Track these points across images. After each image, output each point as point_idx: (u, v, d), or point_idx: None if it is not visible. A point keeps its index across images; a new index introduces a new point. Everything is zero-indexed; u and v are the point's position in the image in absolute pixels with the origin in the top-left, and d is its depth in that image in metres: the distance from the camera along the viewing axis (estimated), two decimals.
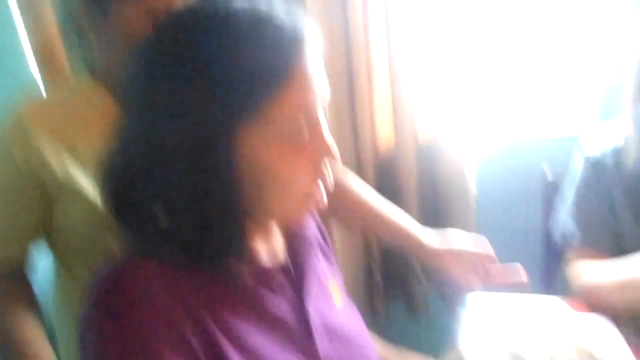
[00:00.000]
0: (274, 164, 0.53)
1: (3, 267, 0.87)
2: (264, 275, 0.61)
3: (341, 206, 0.98)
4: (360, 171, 1.43)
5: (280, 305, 0.61)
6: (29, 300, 0.90)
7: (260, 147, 0.52)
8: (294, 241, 0.69)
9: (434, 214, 1.53)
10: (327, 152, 0.56)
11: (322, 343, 0.64)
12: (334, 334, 0.67)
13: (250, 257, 0.60)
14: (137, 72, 0.54)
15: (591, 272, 1.03)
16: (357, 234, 1.23)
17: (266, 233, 0.65)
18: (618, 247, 1.04)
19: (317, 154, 0.56)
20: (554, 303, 0.98)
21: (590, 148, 1.10)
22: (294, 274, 0.66)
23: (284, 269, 0.64)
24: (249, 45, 0.50)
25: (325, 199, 0.60)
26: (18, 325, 0.85)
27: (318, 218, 0.80)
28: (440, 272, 0.93)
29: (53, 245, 0.91)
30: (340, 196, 0.97)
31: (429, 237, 0.97)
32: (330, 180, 0.59)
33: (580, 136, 1.14)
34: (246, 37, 0.50)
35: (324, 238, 0.81)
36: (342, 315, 0.72)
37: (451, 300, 1.58)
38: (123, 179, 0.56)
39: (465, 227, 1.45)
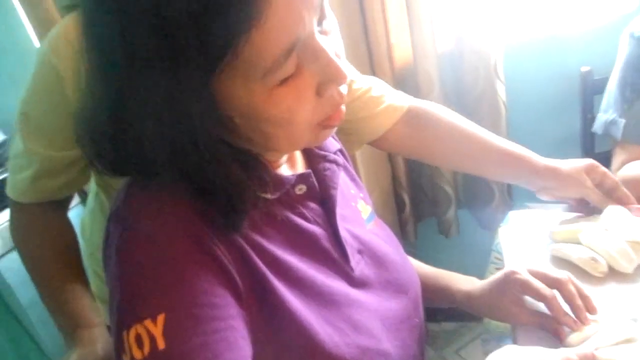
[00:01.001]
0: (265, 104, 0.47)
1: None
2: (292, 201, 0.59)
3: (424, 141, 0.90)
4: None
5: (314, 230, 0.60)
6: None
7: (242, 90, 0.46)
8: (318, 163, 0.65)
9: None
10: (332, 76, 0.49)
11: (357, 263, 0.62)
12: (368, 254, 0.65)
13: (276, 186, 0.56)
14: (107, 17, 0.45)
15: (633, 167, 0.93)
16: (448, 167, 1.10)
17: (289, 160, 0.63)
18: None
19: (320, 81, 0.49)
20: (610, 212, 0.88)
21: (636, 25, 0.97)
22: (321, 197, 0.63)
23: (311, 194, 0.61)
24: None
25: (341, 115, 0.54)
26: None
27: (338, 141, 0.76)
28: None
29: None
30: (420, 130, 0.89)
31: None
32: (342, 96, 0.53)
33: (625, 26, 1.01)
34: None
35: (346, 160, 0.77)
36: (375, 236, 0.69)
37: (486, 219, 1.52)
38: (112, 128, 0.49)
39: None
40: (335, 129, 0.56)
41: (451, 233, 1.59)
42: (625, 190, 0.80)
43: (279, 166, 0.61)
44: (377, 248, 0.67)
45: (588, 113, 1.28)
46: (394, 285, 0.66)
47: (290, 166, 0.63)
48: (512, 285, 0.67)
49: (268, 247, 0.54)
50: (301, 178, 0.59)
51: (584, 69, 1.26)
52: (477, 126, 0.86)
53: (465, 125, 0.86)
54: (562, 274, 0.65)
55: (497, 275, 0.70)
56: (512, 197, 1.47)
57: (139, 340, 0.45)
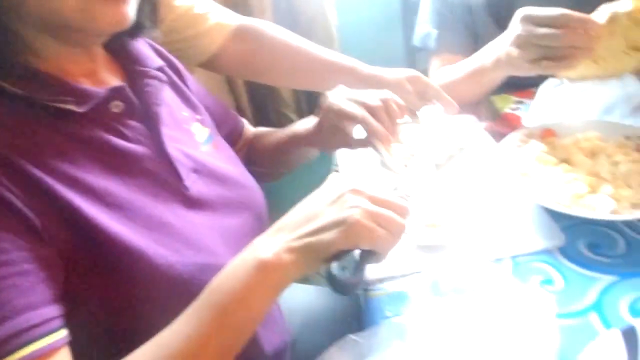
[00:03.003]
0: None
1: None
2: (107, 119, 0.55)
3: (257, 58, 0.89)
4: None
5: (137, 150, 0.56)
6: None
7: None
8: (138, 80, 0.61)
9: None
10: None
11: (192, 182, 0.60)
12: (205, 173, 0.63)
13: (80, 99, 0.52)
14: None
15: (445, 72, 1.04)
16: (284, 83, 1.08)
17: (94, 72, 0.58)
18: (476, 48, 1.06)
19: None
20: (425, 112, 0.99)
21: None
22: (144, 114, 0.59)
23: (131, 111, 0.57)
24: None
25: None
26: None
27: (169, 55, 0.73)
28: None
29: None
30: (251, 47, 0.88)
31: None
32: None
33: None
34: None
35: (180, 77, 0.73)
36: (212, 157, 0.67)
37: None
38: None
39: None
40: (124, 11, 0.51)
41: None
42: (447, 97, 0.87)
43: (75, 76, 0.54)
44: (215, 167, 0.66)
45: (409, 31, 1.39)
46: (235, 202, 0.66)
47: (99, 82, 0.57)
48: (331, 116, 0.73)
49: (77, 174, 0.50)
50: (115, 92, 0.55)
51: None
52: (307, 41, 0.88)
53: (295, 41, 0.87)
54: (375, 101, 0.71)
55: (318, 114, 0.76)
56: None
57: None
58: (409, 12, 1.37)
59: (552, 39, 0.71)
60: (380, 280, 0.65)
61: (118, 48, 0.62)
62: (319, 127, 0.77)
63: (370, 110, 0.71)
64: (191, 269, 0.53)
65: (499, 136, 0.83)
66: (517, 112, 0.97)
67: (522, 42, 0.76)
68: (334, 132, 0.74)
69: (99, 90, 0.54)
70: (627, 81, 0.79)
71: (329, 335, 0.55)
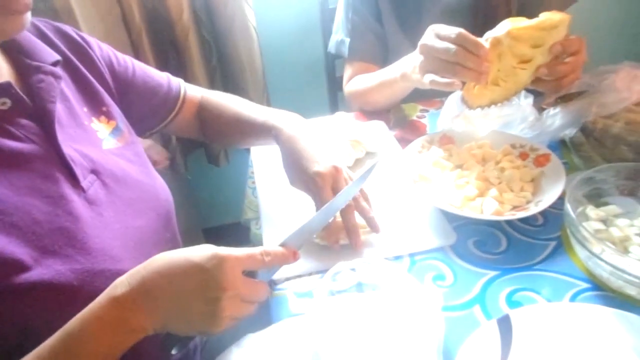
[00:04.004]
0: None
1: None
2: None
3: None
4: (124, 11, 1.22)
5: (26, 149, 0.54)
6: None
7: None
8: (31, 75, 0.58)
9: (217, 49, 1.43)
10: None
11: (90, 184, 0.58)
12: (106, 174, 0.61)
13: None
14: None
15: (359, 80, 1.09)
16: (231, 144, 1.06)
17: None
18: (386, 60, 1.11)
19: None
20: (338, 118, 1.04)
21: None
22: (36, 112, 0.56)
23: (20, 109, 0.54)
24: None
25: (26, 4, 0.50)
26: None
27: (76, 37, 0.69)
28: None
29: None
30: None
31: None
32: None
33: None
34: None
35: (87, 62, 0.69)
36: (114, 156, 0.65)
37: None
38: None
39: (250, 60, 1.40)
40: (24, 21, 0.51)
41: (221, 162, 1.63)
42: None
43: None
44: (116, 168, 0.64)
45: (327, 38, 1.42)
46: (138, 203, 0.65)
47: None
48: (311, 182, 0.68)
49: None
50: (0, 89, 0.52)
51: None
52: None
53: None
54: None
55: (312, 167, 0.69)
56: None
57: None
58: (326, 18, 1.40)
59: (446, 53, 0.77)
60: (286, 279, 0.67)
61: (9, 42, 0.58)
62: (292, 164, 0.72)
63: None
64: (83, 277, 0.51)
65: (405, 142, 0.88)
66: (422, 120, 1.04)
67: (423, 51, 0.82)
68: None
69: (9, 109, 0.51)
70: (523, 103, 0.88)
71: (238, 334, 0.56)
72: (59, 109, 0.59)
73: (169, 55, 1.39)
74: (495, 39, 0.77)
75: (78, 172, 0.57)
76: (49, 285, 0.48)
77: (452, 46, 0.76)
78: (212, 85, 1.45)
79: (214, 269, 0.48)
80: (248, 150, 1.00)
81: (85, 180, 0.58)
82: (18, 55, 0.58)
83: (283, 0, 1.49)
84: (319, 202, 0.67)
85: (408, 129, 1.01)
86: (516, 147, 0.82)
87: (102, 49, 0.73)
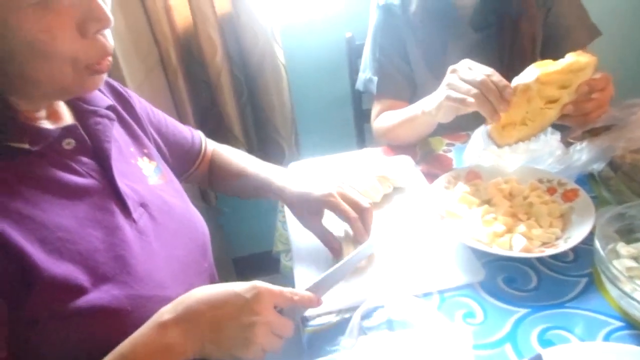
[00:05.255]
0: (28, 29, 0.49)
1: None
2: (59, 156, 0.58)
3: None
4: (160, 51, 1.29)
5: (88, 184, 0.59)
6: None
7: (11, 11, 0.47)
8: (88, 119, 0.64)
9: (247, 86, 1.49)
10: (92, 14, 0.53)
11: (140, 216, 0.64)
12: (152, 207, 0.67)
13: (34, 138, 0.56)
14: None
15: (386, 117, 1.12)
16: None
17: (53, 113, 0.62)
18: (414, 95, 1.14)
19: (80, 15, 0.52)
20: (365, 154, 1.06)
21: None
22: (95, 151, 0.63)
23: (82, 148, 0.61)
24: None
25: (108, 63, 0.57)
26: None
27: (121, 90, 0.77)
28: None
29: None
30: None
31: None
32: (108, 43, 0.56)
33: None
34: None
35: (130, 111, 0.76)
36: (159, 191, 0.71)
37: None
38: None
39: (279, 97, 1.45)
40: (103, 79, 0.58)
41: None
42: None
43: (36, 119, 0.59)
44: (161, 202, 0.69)
45: (354, 74, 1.47)
46: (180, 235, 0.69)
47: (53, 121, 0.61)
48: (323, 205, 0.76)
49: (29, 212, 0.52)
50: (67, 131, 0.59)
51: (348, 34, 1.43)
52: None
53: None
54: (366, 202, 0.77)
55: (315, 190, 0.77)
56: (299, 150, 1.61)
57: None
58: (353, 55, 1.45)
59: (472, 84, 0.79)
60: (318, 315, 0.68)
61: None
62: (301, 197, 0.79)
63: (362, 212, 0.76)
64: (137, 302, 0.55)
65: (432, 176, 0.90)
66: (449, 154, 1.05)
67: (448, 84, 0.84)
68: (314, 215, 0.78)
69: (53, 129, 0.57)
70: (550, 138, 0.89)
71: None
72: (112, 148, 0.64)
73: (202, 93, 1.46)
74: (525, 85, 0.79)
75: (130, 204, 0.62)
76: (105, 309, 0.53)
77: (479, 76, 0.79)
78: (242, 120, 1.51)
79: (251, 297, 0.55)
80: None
81: (136, 212, 0.63)
82: (77, 101, 0.65)
83: (311, 38, 1.55)
84: (342, 214, 0.75)
85: (434, 163, 1.02)
86: (544, 182, 0.82)
87: (140, 102, 0.81)
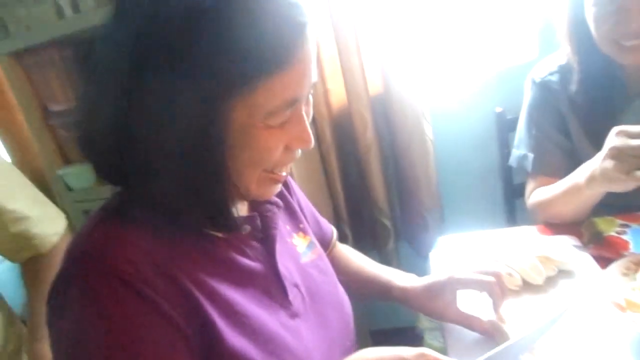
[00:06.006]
0: (256, 137, 0.54)
1: None
2: (237, 241, 0.63)
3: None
4: (316, 129, 1.42)
5: (256, 267, 0.63)
6: None
7: (247, 118, 0.52)
8: (260, 205, 0.69)
9: (394, 161, 1.54)
10: (303, 138, 0.58)
11: (294, 297, 0.65)
12: (304, 287, 0.69)
13: (229, 223, 0.60)
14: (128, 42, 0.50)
15: (542, 191, 1.06)
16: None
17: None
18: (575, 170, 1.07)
19: (293, 138, 0.57)
20: (519, 231, 1.01)
21: (536, 71, 1.12)
22: (262, 236, 0.67)
23: (254, 234, 0.65)
24: (259, 23, 0.49)
25: (287, 172, 0.62)
26: None
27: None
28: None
29: None
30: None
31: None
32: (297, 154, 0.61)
33: (529, 72, 1.16)
34: (257, 15, 0.49)
35: (289, 190, 0.81)
36: (310, 269, 0.73)
37: (422, 248, 1.62)
38: (108, 145, 0.54)
39: (425, 171, 1.46)
40: (280, 188, 0.64)
41: (392, 264, 1.67)
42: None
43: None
44: (311, 281, 0.71)
45: (504, 148, 1.42)
46: (327, 313, 0.70)
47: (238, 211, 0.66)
48: (451, 287, 0.74)
49: (213, 287, 0.56)
50: (248, 220, 0.63)
51: (498, 109, 1.41)
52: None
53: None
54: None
55: (439, 277, 0.77)
56: (444, 222, 1.58)
57: None
58: (503, 129, 1.41)
59: None
60: None
61: None
62: (427, 289, 0.78)
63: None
64: None
65: (604, 261, 0.81)
66: (623, 237, 0.94)
67: (616, 154, 0.78)
68: (445, 304, 0.76)
69: (239, 218, 0.62)
70: None
71: None
72: (277, 233, 0.68)
73: (352, 167, 1.54)
74: None
75: (287, 286, 0.65)
76: None
77: None
78: (387, 195, 1.54)
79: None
80: (420, 253, 1.01)
81: (292, 293, 0.65)
82: None
83: (460, 112, 1.56)
84: (477, 283, 0.73)
85: (606, 246, 0.92)
86: None
87: (293, 182, 0.85)
